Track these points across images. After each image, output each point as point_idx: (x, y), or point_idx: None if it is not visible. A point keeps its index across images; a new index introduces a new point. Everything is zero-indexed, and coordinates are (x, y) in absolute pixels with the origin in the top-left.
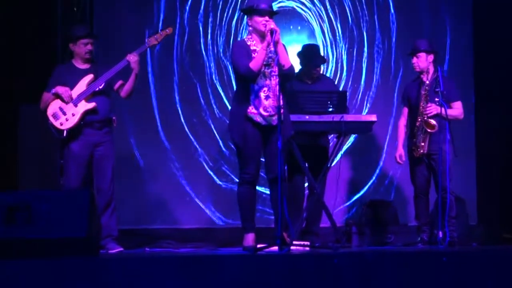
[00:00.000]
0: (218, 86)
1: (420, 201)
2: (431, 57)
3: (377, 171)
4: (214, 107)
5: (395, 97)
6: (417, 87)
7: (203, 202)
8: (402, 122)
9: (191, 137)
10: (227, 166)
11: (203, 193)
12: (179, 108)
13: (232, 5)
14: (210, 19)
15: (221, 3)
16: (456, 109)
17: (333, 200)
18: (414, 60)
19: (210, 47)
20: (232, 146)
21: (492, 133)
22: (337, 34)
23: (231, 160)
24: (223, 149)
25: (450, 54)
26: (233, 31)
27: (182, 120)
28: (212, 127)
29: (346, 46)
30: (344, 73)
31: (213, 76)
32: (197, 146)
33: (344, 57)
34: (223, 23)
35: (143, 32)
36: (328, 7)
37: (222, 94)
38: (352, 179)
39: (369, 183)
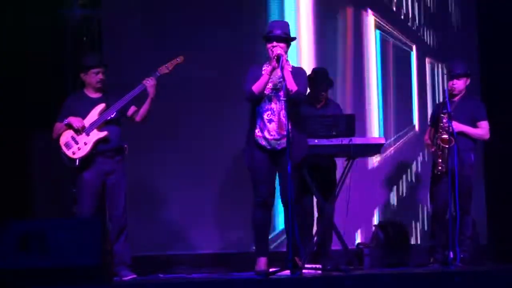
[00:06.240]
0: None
1: (437, 221)
2: (468, 80)
3: (388, 191)
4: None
5: None
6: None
7: (215, 227)
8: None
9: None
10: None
11: (215, 218)
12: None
13: None
14: None
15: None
16: (482, 129)
17: (343, 222)
18: (455, 82)
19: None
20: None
21: (501, 150)
22: None
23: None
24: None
25: None
26: None
27: (195, 146)
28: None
29: None
30: None
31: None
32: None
33: None
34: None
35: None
36: None
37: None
38: (363, 200)
39: (380, 204)
